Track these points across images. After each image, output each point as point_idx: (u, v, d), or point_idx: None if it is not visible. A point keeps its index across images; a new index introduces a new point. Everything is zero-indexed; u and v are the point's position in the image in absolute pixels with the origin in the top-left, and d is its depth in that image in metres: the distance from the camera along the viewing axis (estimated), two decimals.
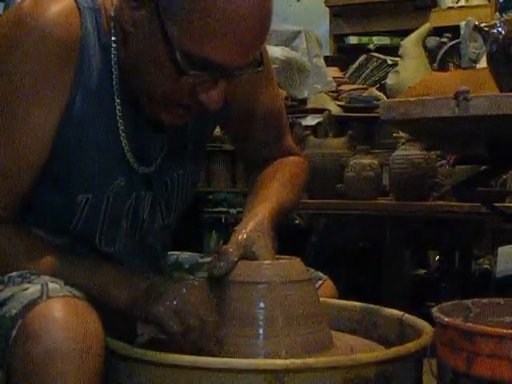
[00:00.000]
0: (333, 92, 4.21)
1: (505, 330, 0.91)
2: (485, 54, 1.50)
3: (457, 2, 4.51)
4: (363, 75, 4.48)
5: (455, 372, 0.94)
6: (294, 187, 1.27)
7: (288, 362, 0.95)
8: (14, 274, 1.05)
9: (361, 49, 4.73)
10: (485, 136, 1.59)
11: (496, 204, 2.33)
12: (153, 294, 1.04)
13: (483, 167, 2.05)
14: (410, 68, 4.05)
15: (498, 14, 3.22)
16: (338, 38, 5.07)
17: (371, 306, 1.30)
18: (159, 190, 1.21)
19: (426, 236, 2.98)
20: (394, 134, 3.41)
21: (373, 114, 3.71)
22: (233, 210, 3.96)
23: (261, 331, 1.06)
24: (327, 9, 4.99)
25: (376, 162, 2.98)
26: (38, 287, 0.98)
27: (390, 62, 4.41)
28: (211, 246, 4.04)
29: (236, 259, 1.08)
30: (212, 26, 0.99)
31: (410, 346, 1.04)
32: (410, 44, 4.16)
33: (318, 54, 4.32)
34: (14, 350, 0.93)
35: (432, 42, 4.21)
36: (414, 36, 4.21)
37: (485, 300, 1.10)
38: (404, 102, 1.44)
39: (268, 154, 1.33)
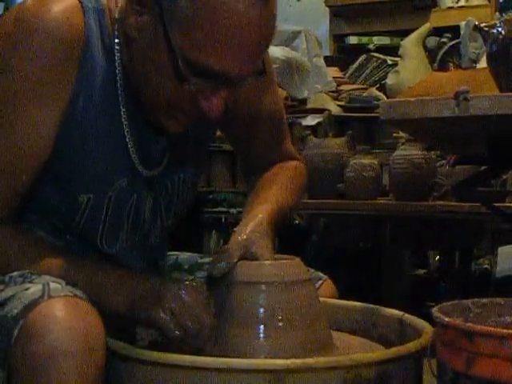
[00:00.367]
0: (333, 92, 4.21)
1: (505, 330, 0.91)
2: (485, 54, 1.50)
3: (457, 2, 4.51)
4: (363, 75, 4.49)
5: (455, 372, 0.94)
6: (293, 191, 1.27)
7: (288, 362, 0.95)
8: (14, 273, 1.05)
9: (361, 49, 4.73)
10: (485, 136, 1.59)
11: (496, 204, 2.33)
12: (152, 298, 1.04)
13: (483, 167, 2.05)
14: (410, 68, 4.05)
15: (497, 13, 3.23)
16: (338, 38, 5.07)
17: (371, 305, 1.30)
18: (160, 191, 1.22)
19: (425, 236, 2.98)
20: (394, 134, 3.41)
21: (373, 114, 3.71)
22: (233, 210, 3.95)
23: (261, 331, 1.06)
24: (327, 9, 4.99)
25: (376, 162, 2.98)
26: (40, 287, 0.98)
27: (389, 62, 4.41)
28: (211, 246, 4.04)
29: (236, 259, 1.08)
30: (215, 35, 0.99)
31: (410, 346, 1.04)
32: (410, 44, 4.16)
33: (317, 54, 4.32)
34: (15, 349, 0.93)
35: (432, 42, 4.21)
36: (414, 36, 4.21)
37: (485, 300, 1.10)
38: (404, 101, 1.44)
39: (268, 158, 1.33)
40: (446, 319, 0.97)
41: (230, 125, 1.29)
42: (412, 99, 1.42)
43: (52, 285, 0.99)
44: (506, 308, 1.10)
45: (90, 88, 1.09)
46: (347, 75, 4.53)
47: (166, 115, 1.10)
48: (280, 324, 1.06)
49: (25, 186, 1.11)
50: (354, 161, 2.97)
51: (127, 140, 1.14)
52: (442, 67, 3.99)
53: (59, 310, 0.94)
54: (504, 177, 2.85)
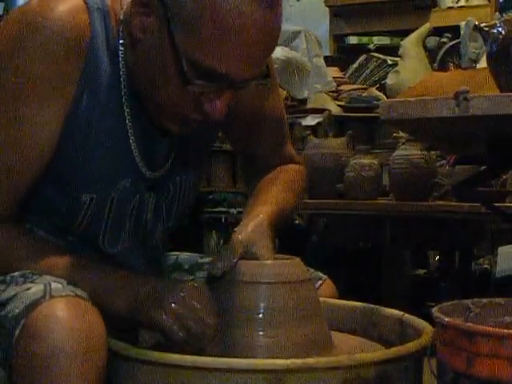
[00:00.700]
0: (333, 92, 4.21)
1: (505, 330, 0.91)
2: (485, 54, 1.50)
3: (457, 2, 4.51)
4: (363, 75, 4.48)
5: (455, 372, 0.94)
6: (292, 193, 1.28)
7: (288, 362, 0.95)
8: (16, 273, 1.05)
9: (361, 49, 4.73)
10: (485, 136, 1.59)
11: (496, 204, 2.33)
12: (154, 300, 1.04)
13: (483, 167, 2.05)
14: (410, 68, 4.05)
15: (498, 13, 3.23)
16: (338, 38, 5.07)
17: (371, 305, 1.30)
18: (162, 193, 1.22)
19: (425, 236, 2.98)
20: (394, 134, 3.41)
21: (373, 114, 3.71)
22: (233, 210, 3.95)
23: (261, 331, 1.06)
24: (327, 9, 4.99)
25: (376, 162, 2.98)
26: (41, 287, 0.98)
27: (390, 62, 4.41)
28: (211, 246, 4.04)
29: (236, 259, 1.08)
30: (220, 37, 0.99)
31: (410, 346, 1.04)
32: (410, 44, 4.16)
33: (318, 54, 4.31)
34: (17, 349, 0.93)
35: (432, 42, 4.21)
36: (414, 36, 4.21)
37: (485, 300, 1.10)
38: (404, 101, 1.44)
39: (269, 161, 1.33)
40: (446, 319, 0.97)
41: (232, 127, 1.30)
42: (412, 99, 1.42)
43: (53, 285, 0.99)
44: (506, 308, 1.10)
45: (94, 88, 1.09)
46: (347, 75, 4.53)
47: (170, 117, 1.10)
48: (280, 324, 1.06)
49: (27, 185, 1.11)
50: (354, 161, 2.97)
51: (131, 141, 1.14)
52: (442, 67, 3.99)
53: (61, 309, 0.94)
54: (504, 177, 2.85)
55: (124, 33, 1.10)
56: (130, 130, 1.13)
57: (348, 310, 1.30)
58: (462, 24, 3.78)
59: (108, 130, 1.12)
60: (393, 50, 4.46)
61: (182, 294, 1.04)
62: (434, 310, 1.01)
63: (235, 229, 1.13)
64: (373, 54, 4.57)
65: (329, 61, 4.48)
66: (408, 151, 2.90)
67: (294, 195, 1.28)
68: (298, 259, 1.14)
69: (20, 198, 1.12)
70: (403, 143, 2.98)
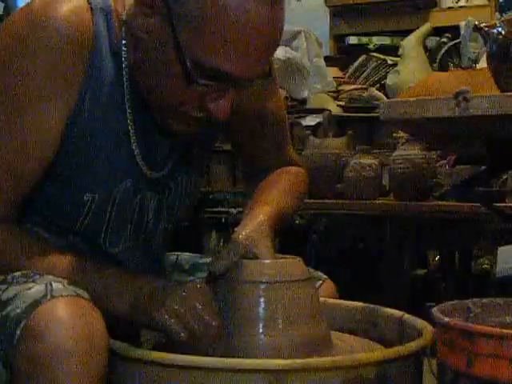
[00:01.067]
0: (333, 92, 4.21)
1: (505, 330, 0.91)
2: (485, 54, 1.50)
3: (457, 2, 4.51)
4: (363, 75, 4.48)
5: (455, 372, 0.94)
6: (293, 195, 1.28)
7: (288, 361, 0.95)
8: (17, 273, 1.04)
9: (361, 49, 4.72)
10: (485, 136, 1.59)
11: (496, 204, 2.33)
12: (155, 300, 1.04)
13: (483, 167, 2.05)
14: (410, 68, 4.05)
15: (497, 13, 3.23)
16: (337, 38, 5.05)
17: (371, 305, 1.30)
18: (163, 193, 1.22)
19: (425, 236, 2.98)
20: (394, 134, 3.41)
21: (373, 114, 3.71)
22: (233, 210, 3.95)
23: (261, 331, 1.06)
24: (327, 9, 4.98)
25: (376, 162, 2.98)
26: (42, 287, 0.98)
27: (390, 62, 4.41)
28: (211, 246, 4.04)
29: (236, 258, 1.08)
30: (224, 36, 0.99)
31: (410, 346, 1.04)
32: (410, 44, 4.16)
33: (318, 54, 4.31)
34: (18, 349, 0.93)
35: (432, 42, 4.21)
36: (413, 36, 4.21)
37: (485, 300, 1.10)
38: (404, 101, 1.44)
39: (269, 163, 1.33)
40: (446, 319, 0.97)
41: (234, 129, 1.30)
42: (412, 99, 1.42)
43: (55, 284, 0.99)
44: (506, 308, 1.10)
45: (96, 88, 1.09)
46: (347, 75, 4.52)
47: (173, 117, 1.10)
48: (280, 323, 1.06)
49: (29, 185, 1.11)
50: (354, 161, 2.97)
51: (132, 141, 1.14)
52: (442, 67, 3.99)
53: (62, 309, 0.94)
54: (504, 177, 2.85)
55: (127, 33, 1.10)
56: (131, 131, 1.13)
57: (348, 310, 1.30)
58: (462, 24, 3.78)
59: (110, 130, 1.11)
60: (393, 50, 4.46)
61: (184, 295, 1.04)
62: (434, 310, 1.01)
63: (235, 228, 1.13)
64: (373, 54, 4.56)
65: (329, 61, 4.47)
66: (408, 151, 2.90)
67: (294, 197, 1.28)
68: (298, 258, 1.14)
69: (22, 198, 1.12)
70: (403, 143, 2.98)
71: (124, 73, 1.11)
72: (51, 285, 0.98)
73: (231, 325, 1.06)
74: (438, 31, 4.28)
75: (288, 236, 2.70)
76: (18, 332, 0.94)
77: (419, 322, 1.17)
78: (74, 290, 0.99)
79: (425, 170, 2.86)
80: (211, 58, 1.01)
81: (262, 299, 1.07)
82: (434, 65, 4.08)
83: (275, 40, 1.05)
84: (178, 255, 1.42)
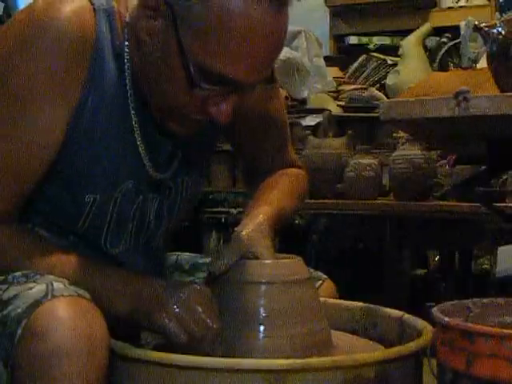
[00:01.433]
0: (333, 92, 4.21)
1: (505, 330, 0.91)
2: (485, 54, 1.50)
3: (457, 2, 4.51)
4: (363, 75, 4.48)
5: (455, 372, 0.94)
6: (293, 197, 1.28)
7: (288, 361, 0.95)
8: (17, 273, 1.04)
9: (361, 49, 4.72)
10: (485, 136, 1.59)
11: (496, 204, 2.33)
12: (155, 303, 1.03)
13: (483, 167, 2.05)
14: (410, 68, 4.05)
15: (497, 13, 3.23)
16: (337, 38, 5.05)
17: (371, 305, 1.30)
18: (164, 194, 1.22)
19: (425, 236, 2.98)
20: (394, 134, 3.41)
21: (373, 114, 3.71)
22: (233, 210, 3.95)
23: (261, 331, 1.06)
24: (327, 9, 4.98)
25: (376, 162, 2.98)
26: (43, 286, 0.98)
27: (390, 62, 4.41)
28: (211, 246, 4.04)
29: (236, 258, 1.08)
30: (228, 42, 0.99)
31: (411, 346, 1.04)
32: (410, 44, 4.16)
33: (318, 54, 4.31)
34: (19, 348, 0.93)
35: (432, 42, 4.21)
36: (413, 36, 4.21)
37: (485, 300, 1.10)
38: (404, 102, 1.43)
39: (270, 165, 1.34)
40: (446, 319, 0.97)
41: (235, 130, 1.30)
42: (412, 99, 1.42)
43: (55, 284, 0.99)
44: (506, 308, 1.10)
45: (99, 89, 1.09)
46: (347, 75, 4.52)
47: (174, 119, 1.10)
48: (280, 323, 1.06)
49: (31, 185, 1.10)
50: (354, 161, 2.97)
51: (138, 142, 1.14)
52: (442, 67, 3.99)
53: (63, 309, 0.94)
54: (504, 177, 2.85)
55: (130, 35, 1.10)
56: (136, 132, 1.13)
57: (348, 310, 1.30)
58: (462, 24, 3.77)
59: (113, 131, 1.11)
60: (393, 50, 4.46)
61: (184, 297, 1.03)
62: (434, 310, 1.01)
63: (236, 228, 1.13)
64: (373, 54, 4.56)
65: (329, 61, 4.47)
66: (408, 151, 2.90)
67: (294, 198, 1.28)
68: (298, 258, 1.14)
69: (23, 198, 1.12)
70: (403, 143, 2.98)
71: (127, 74, 1.11)
72: (52, 285, 0.98)
73: (231, 325, 1.06)
74: (438, 31, 4.28)
75: (288, 236, 2.70)
76: (19, 332, 0.94)
77: (419, 322, 1.17)
78: (75, 290, 0.99)
79: (425, 169, 2.86)
80: (215, 63, 1.01)
81: (262, 299, 1.07)
82: (434, 65, 4.08)
83: (279, 46, 1.05)
84: (177, 255, 1.42)
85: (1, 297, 1.01)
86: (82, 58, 1.07)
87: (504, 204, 2.58)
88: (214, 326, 1.03)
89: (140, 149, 1.14)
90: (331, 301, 1.31)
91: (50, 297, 0.96)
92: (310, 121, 3.85)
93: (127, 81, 1.11)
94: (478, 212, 2.55)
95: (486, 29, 1.42)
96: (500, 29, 1.37)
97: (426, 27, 4.26)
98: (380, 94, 4.05)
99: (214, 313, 1.04)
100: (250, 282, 1.07)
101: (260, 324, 1.06)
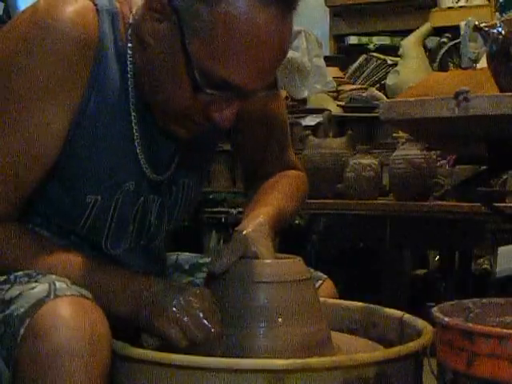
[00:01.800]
0: (333, 92, 4.21)
1: (505, 330, 0.91)
2: (485, 54, 1.50)
3: (457, 2, 4.51)
4: (363, 75, 4.48)
5: (455, 372, 0.94)
6: (293, 198, 1.28)
7: (288, 362, 0.95)
8: (20, 273, 1.04)
9: (361, 49, 4.72)
10: (485, 136, 1.59)
11: (496, 204, 2.33)
12: (156, 307, 1.03)
13: (483, 167, 2.05)
14: (410, 68, 4.05)
15: (498, 14, 3.22)
16: (337, 38, 5.06)
17: (371, 305, 1.30)
18: (165, 195, 1.22)
19: (425, 236, 2.98)
20: (394, 134, 3.41)
21: (373, 114, 3.71)
22: (233, 210, 3.95)
23: (261, 331, 1.06)
24: (327, 9, 4.99)
25: (376, 162, 2.98)
26: (46, 286, 0.98)
27: (390, 62, 4.41)
28: (211, 246, 4.04)
29: (236, 258, 1.08)
30: (233, 48, 0.99)
31: (411, 346, 1.04)
32: (410, 44, 4.16)
33: (318, 54, 4.31)
34: (21, 348, 0.93)
35: (432, 42, 4.21)
36: (413, 36, 4.21)
37: (485, 300, 1.10)
38: (404, 102, 1.43)
39: (270, 167, 1.34)
40: (446, 319, 0.97)
41: (236, 132, 1.30)
42: (412, 99, 1.42)
43: (58, 284, 0.99)
44: (506, 308, 1.10)
45: (101, 90, 1.09)
46: (347, 75, 4.53)
47: (176, 122, 1.10)
48: (280, 323, 1.06)
49: (32, 185, 1.10)
50: (354, 161, 2.97)
51: (136, 144, 1.14)
52: (442, 67, 3.99)
53: (65, 309, 0.94)
54: (504, 177, 2.85)
55: (133, 36, 1.10)
56: (136, 134, 1.13)
57: (348, 310, 1.30)
58: (462, 24, 3.77)
59: (115, 132, 1.11)
60: (393, 50, 4.46)
61: (185, 301, 1.02)
62: (434, 310, 1.01)
63: (236, 228, 1.13)
64: (373, 54, 4.56)
65: (329, 61, 4.47)
66: (408, 151, 2.90)
67: (294, 200, 1.28)
68: (298, 258, 1.14)
69: (24, 199, 1.11)
70: (403, 143, 2.98)
71: (129, 75, 1.11)
72: (55, 284, 0.98)
73: (231, 325, 1.06)
74: (438, 31, 4.28)
75: (288, 236, 2.70)
76: (22, 331, 0.94)
77: (419, 322, 1.17)
78: (78, 290, 0.99)
79: (425, 169, 2.86)
80: (220, 69, 1.01)
81: (261, 299, 1.06)
82: (434, 65, 4.08)
83: (283, 53, 1.05)
84: (177, 255, 1.42)
85: (3, 296, 1.01)
86: (84, 58, 1.06)
87: (504, 204, 2.58)
88: (216, 330, 1.03)
89: (138, 150, 1.14)
90: (331, 301, 1.31)
91: (52, 296, 0.96)
92: (310, 121, 3.85)
93: (130, 82, 1.11)
94: (478, 212, 2.55)
95: (486, 29, 1.42)
96: (500, 29, 1.37)
97: (425, 27, 4.27)
98: (380, 94, 4.05)
99: (216, 317, 1.04)
100: (249, 281, 1.07)
101: (260, 324, 1.06)
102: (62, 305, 0.95)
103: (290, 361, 0.95)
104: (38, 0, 1.09)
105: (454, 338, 0.94)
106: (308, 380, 0.94)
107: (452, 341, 0.95)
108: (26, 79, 1.05)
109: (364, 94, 4.08)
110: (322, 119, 3.79)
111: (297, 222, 3.45)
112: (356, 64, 4.55)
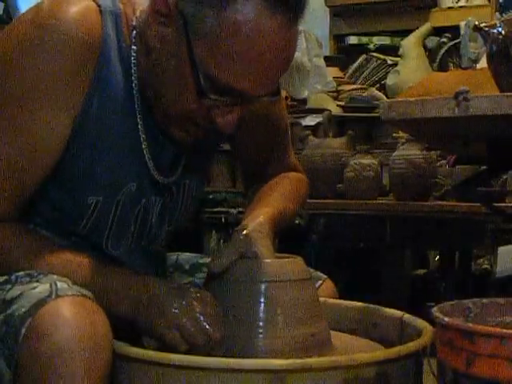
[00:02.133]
0: (333, 92, 4.21)
1: (505, 330, 0.91)
2: (485, 54, 1.50)
3: (457, 2, 4.51)
4: (363, 75, 4.48)
5: (455, 372, 0.94)
6: (293, 200, 1.28)
7: (288, 362, 0.95)
8: (21, 273, 1.04)
9: (361, 49, 4.72)
10: (485, 136, 1.59)
11: (496, 204, 2.33)
12: (155, 310, 1.02)
13: (483, 167, 2.05)
14: (410, 68, 4.05)
15: (497, 13, 3.22)
16: (337, 38, 5.05)
17: (371, 305, 1.30)
18: (167, 197, 1.22)
19: (425, 236, 2.98)
20: (394, 134, 3.41)
21: (373, 114, 3.70)
22: (233, 210, 3.94)
23: (261, 331, 1.06)
24: (327, 9, 4.98)
25: (376, 162, 2.98)
26: (47, 286, 0.98)
27: (390, 62, 4.41)
28: (211, 246, 4.03)
29: (236, 257, 1.08)
30: (238, 54, 0.99)
31: (411, 346, 1.04)
32: (410, 44, 4.16)
33: (318, 54, 4.31)
34: (22, 348, 0.94)
35: (432, 42, 4.21)
36: (413, 36, 4.21)
37: (485, 300, 1.10)
38: (404, 101, 1.43)
39: (270, 169, 1.34)
40: (446, 319, 0.96)
41: (237, 135, 1.30)
42: (412, 99, 1.42)
43: (59, 284, 0.99)
44: (506, 308, 1.10)
45: (105, 91, 1.09)
46: (347, 75, 4.52)
47: (177, 125, 1.10)
48: (280, 323, 1.06)
49: (33, 186, 1.10)
50: (354, 161, 2.97)
51: (143, 146, 1.14)
52: (442, 67, 3.99)
53: (67, 309, 0.94)
54: (504, 177, 2.85)
55: (138, 39, 1.10)
56: (142, 136, 1.13)
57: (348, 310, 1.30)
58: (462, 24, 3.77)
59: (119, 134, 1.11)
60: (393, 50, 4.46)
61: (186, 304, 1.02)
62: (434, 310, 1.01)
63: (236, 228, 1.13)
64: (373, 53, 4.56)
65: (329, 61, 4.47)
66: (408, 151, 2.90)
67: (295, 202, 1.28)
68: (298, 258, 1.14)
69: (25, 199, 1.11)
70: (403, 143, 2.98)
71: (133, 78, 1.11)
72: (56, 284, 0.98)
73: (230, 324, 1.06)
74: (438, 31, 4.28)
75: (288, 236, 2.70)
76: (23, 331, 0.94)
77: (419, 322, 1.17)
78: (79, 290, 0.99)
79: (425, 169, 2.86)
80: (225, 75, 1.01)
81: (261, 299, 1.07)
82: (434, 65, 4.08)
83: (288, 60, 1.06)
84: (178, 255, 1.42)
85: (4, 296, 1.01)
86: (87, 60, 1.06)
87: (504, 204, 2.58)
88: (216, 334, 1.02)
89: (145, 152, 1.14)
90: (331, 301, 1.31)
91: (54, 296, 0.96)
92: (310, 121, 3.85)
93: (134, 84, 1.11)
94: (478, 212, 2.55)
95: (486, 29, 1.41)
96: (500, 29, 1.37)
97: (425, 27, 4.26)
98: (380, 94, 4.05)
99: (217, 320, 1.03)
100: (249, 281, 1.07)
101: (260, 324, 1.06)
102: (64, 305, 0.95)
103: (290, 361, 0.95)
104: (42, 0, 1.08)
105: (454, 337, 0.94)
106: (308, 380, 0.94)
107: (452, 341, 0.95)
108: (28, 81, 1.05)
109: (364, 94, 4.08)
110: (322, 119, 3.79)
111: (297, 222, 3.45)
112: (356, 64, 4.54)
